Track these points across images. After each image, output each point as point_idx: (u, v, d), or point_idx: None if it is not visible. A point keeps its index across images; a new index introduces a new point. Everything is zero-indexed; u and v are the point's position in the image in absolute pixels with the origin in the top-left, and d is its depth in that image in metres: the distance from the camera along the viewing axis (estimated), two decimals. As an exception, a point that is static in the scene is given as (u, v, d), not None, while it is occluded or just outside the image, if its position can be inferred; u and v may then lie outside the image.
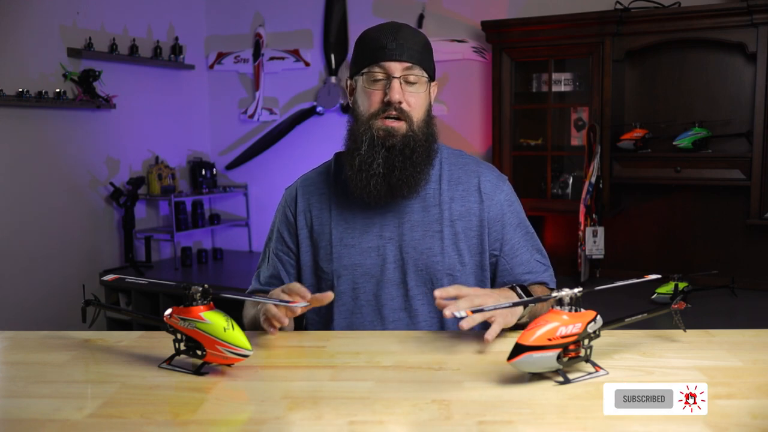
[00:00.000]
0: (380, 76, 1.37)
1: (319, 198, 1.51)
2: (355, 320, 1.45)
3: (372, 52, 1.38)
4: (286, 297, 1.26)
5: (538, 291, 1.45)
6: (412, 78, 1.38)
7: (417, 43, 1.40)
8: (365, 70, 1.39)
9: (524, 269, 1.48)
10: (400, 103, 1.37)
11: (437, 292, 1.23)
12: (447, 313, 1.17)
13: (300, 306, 1.23)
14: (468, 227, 1.45)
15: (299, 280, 1.52)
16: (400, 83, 1.37)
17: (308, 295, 1.26)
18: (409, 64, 1.37)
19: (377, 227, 1.45)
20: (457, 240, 1.44)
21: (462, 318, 1.17)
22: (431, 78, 1.44)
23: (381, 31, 1.40)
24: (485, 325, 1.44)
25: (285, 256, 1.53)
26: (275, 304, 1.26)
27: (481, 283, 1.47)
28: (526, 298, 1.35)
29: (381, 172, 1.38)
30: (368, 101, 1.39)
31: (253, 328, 1.40)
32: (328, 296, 1.29)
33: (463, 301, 1.21)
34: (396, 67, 1.36)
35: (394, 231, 1.44)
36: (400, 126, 1.38)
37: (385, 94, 1.37)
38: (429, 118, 1.44)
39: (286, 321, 1.25)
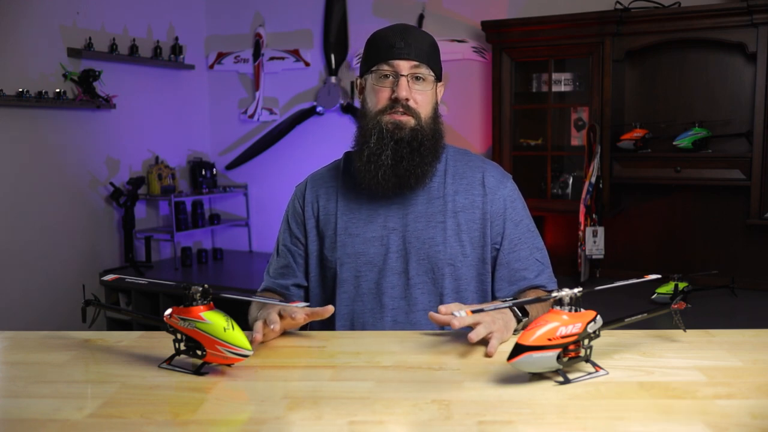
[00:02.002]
0: (388, 73, 1.42)
1: (326, 190, 1.55)
2: (356, 307, 1.48)
3: (381, 51, 1.42)
4: (276, 321, 1.25)
5: (531, 295, 1.46)
6: (419, 76, 1.42)
7: (425, 43, 1.45)
8: (374, 68, 1.43)
9: (521, 265, 1.49)
10: (407, 100, 1.41)
11: (442, 308, 1.24)
12: (456, 323, 1.19)
13: (300, 305, 1.23)
14: (471, 219, 1.48)
15: (306, 270, 1.56)
16: (408, 81, 1.41)
17: (300, 315, 1.26)
18: (416, 63, 1.41)
19: (382, 218, 1.48)
20: (460, 231, 1.47)
21: (462, 318, 1.19)
22: (438, 78, 1.48)
23: (390, 31, 1.45)
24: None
25: (294, 247, 1.57)
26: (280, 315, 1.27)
27: (481, 276, 1.49)
28: (524, 300, 1.34)
29: (389, 163, 1.42)
30: (376, 98, 1.44)
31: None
32: (328, 310, 1.31)
33: (482, 327, 1.21)
34: (404, 65, 1.41)
35: (398, 221, 1.48)
36: (408, 120, 1.42)
37: (393, 92, 1.41)
38: (436, 116, 1.48)
39: (276, 327, 1.24)
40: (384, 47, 1.42)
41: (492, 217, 1.48)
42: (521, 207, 1.54)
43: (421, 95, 1.43)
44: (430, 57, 1.44)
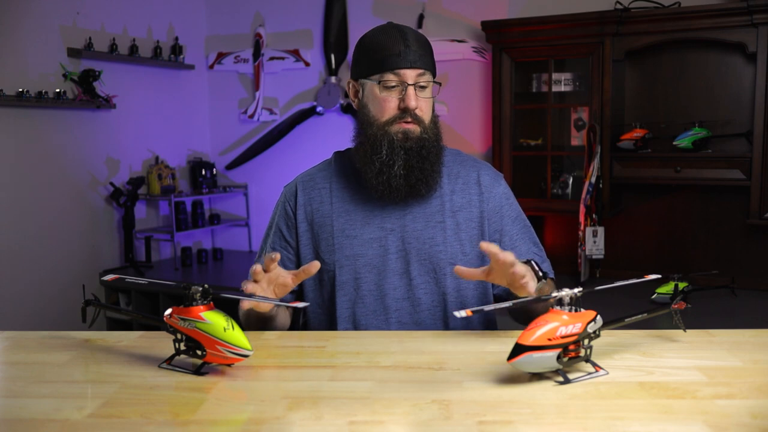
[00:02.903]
0: (394, 83, 1.41)
1: (319, 192, 1.54)
2: (358, 310, 1.47)
3: (384, 58, 1.41)
4: (263, 285, 1.28)
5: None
6: (423, 83, 1.42)
7: (424, 47, 1.44)
8: (377, 77, 1.42)
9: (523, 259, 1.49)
10: (415, 109, 1.41)
11: (484, 245, 1.22)
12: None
13: (300, 305, 1.22)
14: (469, 218, 1.49)
15: None
16: (415, 90, 1.41)
17: (289, 279, 1.28)
18: (421, 71, 1.41)
19: (378, 219, 1.48)
20: (459, 230, 1.47)
21: (462, 318, 1.18)
22: (434, 78, 1.48)
23: (388, 36, 1.43)
24: (485, 325, 1.44)
25: (283, 251, 1.55)
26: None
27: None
28: (525, 299, 1.34)
29: (402, 173, 1.42)
30: (383, 108, 1.43)
31: (248, 324, 1.41)
32: (315, 265, 1.30)
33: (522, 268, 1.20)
34: (410, 75, 1.40)
35: (395, 222, 1.47)
36: (415, 128, 1.43)
37: (400, 101, 1.41)
38: (435, 117, 1.49)
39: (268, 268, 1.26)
40: (387, 54, 1.40)
41: (489, 215, 1.50)
42: (515, 204, 1.56)
43: (425, 102, 1.43)
44: (430, 61, 1.45)
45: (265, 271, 1.28)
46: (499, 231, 1.50)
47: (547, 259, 1.55)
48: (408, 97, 1.40)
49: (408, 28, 1.47)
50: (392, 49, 1.40)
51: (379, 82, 1.41)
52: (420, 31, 1.50)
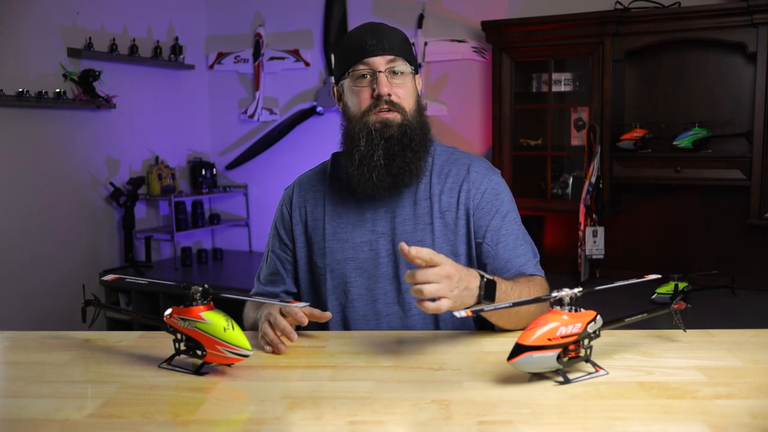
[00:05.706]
0: (365, 72, 1.39)
1: (314, 195, 1.53)
2: (348, 314, 1.46)
3: (353, 52, 1.40)
4: (282, 322, 1.28)
5: (522, 281, 1.40)
6: (396, 70, 1.40)
7: (397, 37, 1.42)
8: (350, 70, 1.41)
9: (510, 255, 1.44)
10: (389, 95, 1.39)
11: (413, 250, 1.12)
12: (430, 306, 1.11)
13: (300, 305, 1.23)
14: (457, 217, 1.45)
15: (296, 276, 1.54)
16: (386, 76, 1.39)
17: (305, 320, 1.29)
18: (391, 57, 1.39)
19: (370, 222, 1.46)
20: (448, 231, 1.45)
21: (461, 318, 1.17)
22: (415, 70, 1.45)
23: (359, 31, 1.43)
24: (482, 326, 1.44)
25: (282, 254, 1.55)
26: (282, 314, 1.29)
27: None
28: (524, 300, 1.33)
29: (382, 163, 1.39)
30: (358, 99, 1.41)
31: (253, 330, 1.40)
32: (326, 315, 1.31)
33: (432, 287, 1.12)
34: (379, 62, 1.39)
35: (386, 225, 1.45)
36: (395, 116, 1.40)
37: (374, 90, 1.39)
38: (420, 108, 1.45)
39: (295, 336, 1.27)
40: (356, 48, 1.39)
41: (474, 211, 1.45)
42: (508, 200, 1.49)
43: (401, 89, 1.40)
44: (404, 50, 1.42)
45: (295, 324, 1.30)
46: (485, 227, 1.44)
47: (537, 257, 1.48)
48: (380, 83, 1.37)
49: (383, 24, 1.45)
50: (360, 41, 1.39)
51: (352, 75, 1.40)
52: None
